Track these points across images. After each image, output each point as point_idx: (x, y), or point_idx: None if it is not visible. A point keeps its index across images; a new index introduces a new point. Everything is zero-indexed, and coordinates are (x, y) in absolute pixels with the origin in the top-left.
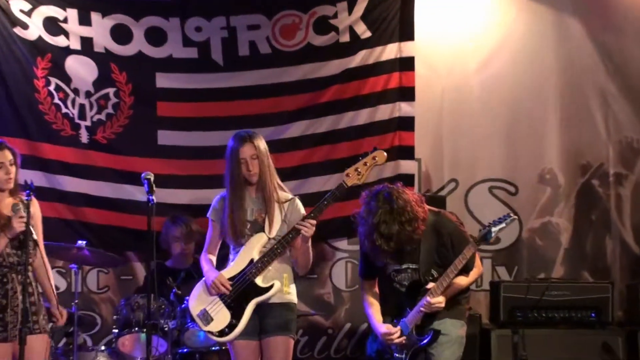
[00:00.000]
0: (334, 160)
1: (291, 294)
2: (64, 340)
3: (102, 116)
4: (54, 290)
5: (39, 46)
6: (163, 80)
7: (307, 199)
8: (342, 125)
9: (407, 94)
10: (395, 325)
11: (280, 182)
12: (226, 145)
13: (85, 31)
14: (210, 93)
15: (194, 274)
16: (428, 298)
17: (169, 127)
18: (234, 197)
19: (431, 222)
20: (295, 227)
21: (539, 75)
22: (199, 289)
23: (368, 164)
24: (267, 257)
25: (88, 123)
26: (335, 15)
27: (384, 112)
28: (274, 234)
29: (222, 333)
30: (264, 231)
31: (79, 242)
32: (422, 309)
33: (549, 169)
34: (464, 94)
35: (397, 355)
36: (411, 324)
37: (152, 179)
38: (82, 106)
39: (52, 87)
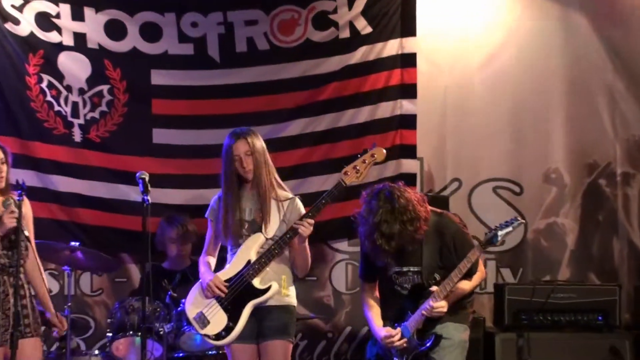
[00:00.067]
0: (334, 159)
1: (290, 296)
2: (56, 344)
3: (96, 114)
4: (48, 295)
5: (30, 42)
6: (158, 77)
7: (306, 199)
8: (342, 124)
9: (408, 91)
10: (396, 329)
11: (280, 180)
12: (222, 144)
13: (79, 27)
14: (206, 90)
15: (190, 276)
16: (431, 302)
17: (164, 125)
18: (228, 195)
19: (434, 223)
20: (292, 227)
21: (545, 72)
22: (195, 291)
23: (367, 162)
24: (265, 258)
25: (81, 121)
26: (334, 10)
27: (385, 109)
28: (271, 234)
29: (218, 336)
30: (261, 231)
31: (72, 243)
32: (424, 312)
33: (555, 169)
34: (468, 92)
35: (397, 359)
36: (412, 327)
37: (147, 178)
38: (75, 104)
39: (44, 84)
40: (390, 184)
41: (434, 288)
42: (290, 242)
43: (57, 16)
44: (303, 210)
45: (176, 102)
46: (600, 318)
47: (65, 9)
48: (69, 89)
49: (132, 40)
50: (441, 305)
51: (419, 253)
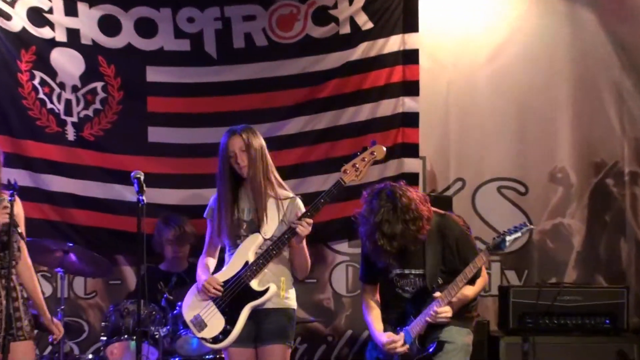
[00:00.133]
0: (334, 158)
1: (289, 298)
2: (49, 348)
3: (90, 112)
4: (43, 298)
5: (22, 38)
6: (154, 74)
7: (305, 199)
8: (342, 122)
9: (411, 88)
10: (397, 334)
11: (280, 180)
12: (219, 142)
13: (72, 22)
14: (203, 87)
15: (186, 278)
16: (435, 307)
17: (160, 124)
18: (224, 194)
19: (436, 224)
20: (290, 227)
21: (551, 69)
22: (192, 293)
23: (366, 160)
24: (263, 259)
25: (75, 119)
26: (335, 5)
27: (386, 107)
28: (270, 234)
29: (215, 340)
30: (259, 231)
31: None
32: (427, 319)
33: (561, 168)
34: (471, 89)
35: None
36: (414, 333)
37: (142, 178)
38: (68, 101)
39: (36, 81)
40: (391, 183)
41: (437, 294)
42: (288, 242)
43: (50, 11)
44: (304, 210)
45: (172, 100)
46: (607, 321)
47: (58, 4)
48: (62, 86)
49: (127, 36)
50: (445, 311)
51: (421, 255)
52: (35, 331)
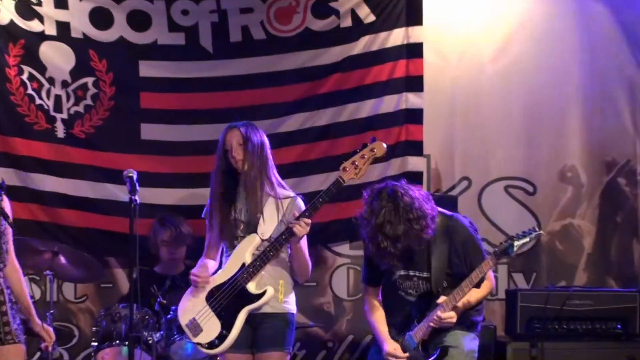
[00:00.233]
0: (334, 156)
1: (288, 302)
2: (38, 354)
3: (80, 108)
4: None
5: (10, 31)
6: (147, 69)
7: (305, 199)
8: (343, 118)
9: (414, 83)
10: (401, 340)
11: (280, 179)
12: (215, 140)
13: (62, 15)
14: (198, 83)
15: (181, 282)
16: (439, 312)
17: (154, 120)
18: (214, 191)
19: (443, 225)
20: (288, 227)
21: (560, 64)
22: (188, 296)
23: (366, 157)
24: (259, 260)
25: (64, 116)
26: None
27: (389, 103)
28: (268, 234)
29: (211, 345)
30: (257, 232)
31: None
32: (431, 324)
33: (571, 166)
34: (478, 84)
35: None
36: (418, 338)
37: (135, 177)
38: (58, 97)
39: (25, 76)
40: (392, 182)
41: (441, 299)
42: (286, 243)
43: (39, 4)
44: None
45: (166, 96)
46: (618, 326)
47: None
48: (51, 81)
49: (119, 30)
50: (450, 316)
51: (426, 257)
52: (24, 336)
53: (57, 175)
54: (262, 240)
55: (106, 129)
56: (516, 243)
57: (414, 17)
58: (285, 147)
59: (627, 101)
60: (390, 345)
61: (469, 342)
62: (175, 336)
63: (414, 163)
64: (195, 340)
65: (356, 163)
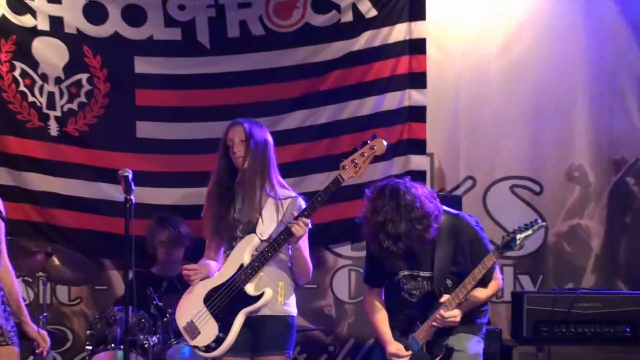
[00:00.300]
0: (335, 155)
1: (288, 305)
2: (31, 358)
3: (74, 105)
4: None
5: (2, 26)
6: (142, 65)
7: (306, 199)
8: (344, 116)
9: (417, 80)
10: (404, 342)
11: (281, 179)
12: (213, 138)
13: (55, 10)
14: (195, 79)
15: (178, 284)
16: (441, 311)
17: (149, 118)
18: (215, 191)
19: (448, 225)
20: (286, 227)
21: (567, 60)
22: (185, 298)
23: (366, 155)
24: (258, 261)
25: (58, 113)
26: None
27: (391, 101)
28: (267, 235)
29: (208, 348)
30: (255, 232)
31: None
32: (434, 323)
33: (578, 166)
34: (482, 81)
35: None
36: (422, 339)
37: (130, 176)
38: (51, 94)
39: (17, 73)
40: (395, 179)
41: (444, 298)
42: (285, 243)
43: None
44: None
45: (162, 93)
46: (628, 330)
47: None
48: (44, 77)
49: (114, 25)
50: (453, 315)
51: (430, 256)
52: (18, 339)
53: (51, 174)
54: (261, 241)
55: (101, 127)
56: (518, 236)
57: (417, 12)
58: (285, 146)
59: (636, 99)
60: (393, 346)
61: (474, 345)
62: (172, 340)
63: (417, 162)
64: (193, 343)
65: (356, 161)
